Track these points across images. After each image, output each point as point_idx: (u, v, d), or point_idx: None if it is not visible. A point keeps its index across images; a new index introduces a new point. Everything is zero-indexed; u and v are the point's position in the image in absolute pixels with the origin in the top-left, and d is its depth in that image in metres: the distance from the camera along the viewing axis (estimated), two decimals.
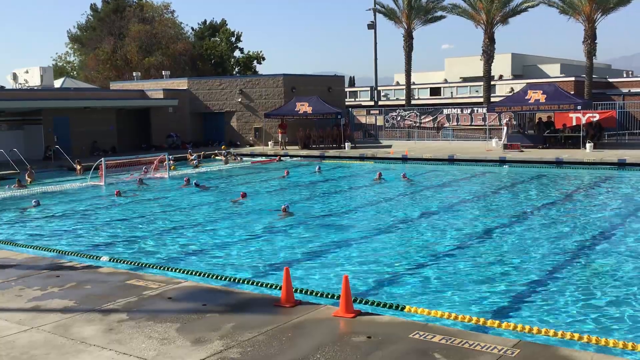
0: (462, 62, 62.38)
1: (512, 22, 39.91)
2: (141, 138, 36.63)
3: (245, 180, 23.74)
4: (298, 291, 8.34)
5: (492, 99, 38.66)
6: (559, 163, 25.35)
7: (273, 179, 24.08)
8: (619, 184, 20.67)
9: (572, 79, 41.73)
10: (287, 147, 34.11)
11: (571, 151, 27.51)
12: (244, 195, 18.37)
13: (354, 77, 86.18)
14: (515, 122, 32.23)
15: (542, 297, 8.91)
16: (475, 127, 34.83)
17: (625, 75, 53.90)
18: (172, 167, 27.15)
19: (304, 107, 34.26)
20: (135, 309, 7.41)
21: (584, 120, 29.38)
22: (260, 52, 65.52)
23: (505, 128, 31.19)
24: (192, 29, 65.07)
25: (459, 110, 36.00)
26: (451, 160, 27.56)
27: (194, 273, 9.84)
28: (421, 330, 6.47)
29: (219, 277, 9.65)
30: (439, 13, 42.20)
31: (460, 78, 59.41)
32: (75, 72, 63.80)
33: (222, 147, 34.53)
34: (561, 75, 50.23)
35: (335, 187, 21.76)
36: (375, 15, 44.26)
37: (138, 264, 10.63)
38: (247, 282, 9.29)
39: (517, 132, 31.82)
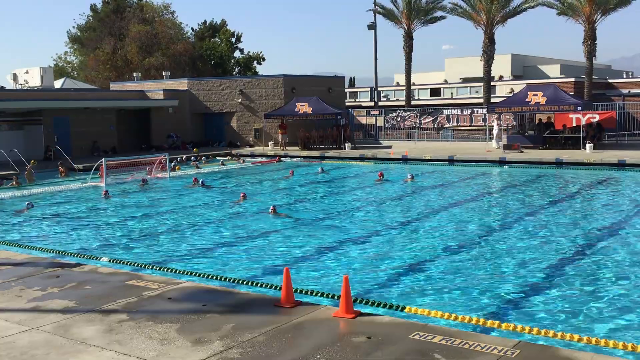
0: (462, 63, 62.44)
1: (512, 23, 40.31)
2: (141, 138, 36.60)
3: (250, 180, 23.74)
4: (298, 291, 8.35)
5: (492, 100, 38.69)
6: (559, 164, 25.36)
7: (278, 179, 24.09)
8: (618, 185, 20.67)
9: (572, 79, 41.77)
10: (287, 148, 34.12)
11: (571, 152, 27.53)
12: (244, 196, 18.39)
13: (354, 77, 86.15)
14: (501, 122, 32.21)
15: (542, 298, 8.91)
16: (475, 127, 34.85)
17: (625, 76, 53.90)
18: (177, 168, 27.13)
19: (304, 108, 34.26)
20: (135, 310, 7.41)
21: (583, 121, 29.40)
22: (260, 52, 65.62)
23: (496, 128, 31.22)
24: (192, 29, 65.16)
25: (459, 111, 36.01)
26: (451, 161, 27.57)
27: (193, 273, 9.85)
28: (421, 331, 6.47)
29: (219, 278, 9.65)
30: (439, 13, 42.33)
31: (460, 79, 59.46)
32: (75, 73, 63.82)
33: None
34: (561, 76, 50.29)
35: (335, 187, 21.77)
36: (375, 16, 44.33)
37: (138, 265, 10.63)
38: (247, 283, 9.30)
39: (517, 133, 31.86)
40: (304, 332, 6.57)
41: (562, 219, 14.85)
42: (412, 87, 48.21)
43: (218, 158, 31.55)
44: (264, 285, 9.16)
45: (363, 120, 39.16)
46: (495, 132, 31.27)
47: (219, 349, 6.14)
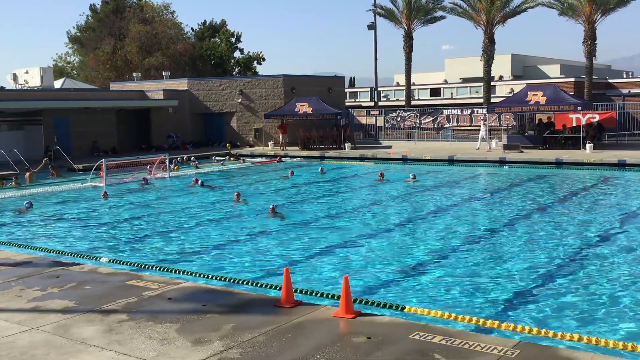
0: (462, 63, 62.41)
1: (512, 23, 40.36)
2: (141, 138, 36.63)
3: (249, 180, 23.75)
4: (298, 291, 8.35)
5: (492, 100, 38.67)
6: (559, 164, 25.37)
7: (277, 179, 24.10)
8: (618, 185, 20.67)
9: (572, 79, 41.74)
10: (287, 148, 34.13)
11: (571, 152, 27.54)
12: (238, 195, 18.39)
13: (354, 77, 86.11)
14: (486, 122, 32.26)
15: (542, 298, 8.91)
16: (476, 127, 34.82)
17: (625, 76, 53.87)
18: (176, 168, 27.13)
19: (304, 108, 34.27)
20: (135, 310, 7.41)
21: (583, 121, 29.42)
22: (260, 52, 65.67)
23: (483, 129, 31.18)
24: (192, 29, 65.21)
25: (459, 111, 36.02)
26: (451, 161, 27.57)
27: (193, 273, 9.84)
28: (421, 331, 6.47)
29: (218, 278, 9.65)
30: (439, 14, 42.31)
31: (460, 79, 59.42)
32: (75, 72, 63.82)
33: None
34: (561, 76, 50.26)
35: (335, 187, 21.76)
36: (375, 16, 44.33)
37: (138, 265, 10.62)
38: (247, 283, 9.29)
39: (517, 133, 31.88)
40: (304, 332, 6.57)
41: (562, 219, 14.85)
42: (412, 87, 48.19)
43: (219, 158, 31.58)
44: (264, 285, 9.16)
45: (363, 120, 39.16)
46: (481, 133, 31.26)
47: (219, 349, 6.14)
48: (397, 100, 52.58)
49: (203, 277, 9.64)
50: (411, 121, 36.93)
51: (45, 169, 25.40)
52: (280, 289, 7.81)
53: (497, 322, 7.31)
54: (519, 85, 42.30)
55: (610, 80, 47.16)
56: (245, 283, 9.29)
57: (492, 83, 44.16)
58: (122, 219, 16.19)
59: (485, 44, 38.91)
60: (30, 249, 12.10)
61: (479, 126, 32.16)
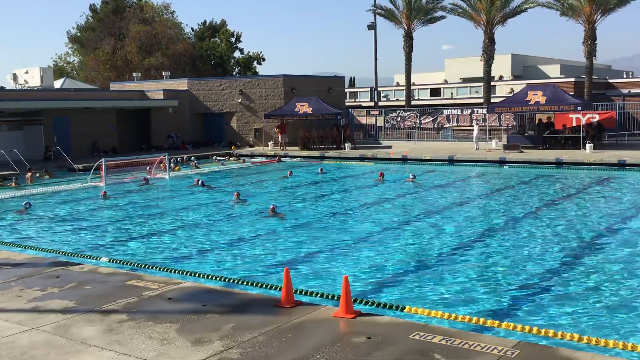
0: (462, 63, 62.41)
1: (512, 23, 40.39)
2: (141, 138, 36.63)
3: (249, 180, 23.75)
4: (298, 292, 8.35)
5: (492, 100, 38.66)
6: (559, 164, 25.37)
7: (276, 179, 24.10)
8: (618, 185, 20.67)
9: (572, 79, 41.74)
10: (287, 148, 34.13)
11: (571, 152, 27.55)
12: (238, 195, 18.40)
13: (354, 77, 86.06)
14: (479, 123, 32.25)
15: (543, 298, 8.91)
16: None
17: (625, 76, 53.86)
18: (177, 168, 27.13)
19: (304, 108, 34.27)
20: (135, 310, 7.41)
21: (583, 121, 29.42)
22: (260, 52, 65.67)
23: (476, 129, 31.14)
24: (192, 29, 65.20)
25: (459, 111, 36.01)
26: (451, 161, 27.57)
27: (194, 273, 9.85)
28: (421, 331, 6.47)
29: (219, 278, 9.65)
30: (439, 13, 42.32)
31: (460, 79, 59.41)
32: (75, 72, 63.82)
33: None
34: (561, 76, 50.25)
35: (336, 187, 21.76)
36: (375, 16, 44.34)
37: (138, 265, 10.63)
38: (247, 283, 9.29)
39: (517, 133, 31.88)
40: (304, 332, 6.57)
41: (562, 219, 14.84)
42: (412, 87, 48.19)
43: (219, 158, 31.60)
44: (264, 286, 9.16)
45: (363, 120, 39.16)
46: (475, 133, 31.25)
47: (219, 349, 6.14)
48: (397, 100, 52.59)
49: (203, 277, 9.64)
50: (411, 121, 36.93)
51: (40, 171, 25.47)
52: (280, 289, 7.81)
53: (497, 322, 7.31)
54: (519, 85, 42.28)
55: (610, 80, 47.15)
56: (245, 283, 9.29)
57: (492, 83, 44.16)
58: (122, 218, 16.19)
59: (485, 44, 38.92)
60: (30, 249, 12.11)
61: (480, 126, 32.18)
